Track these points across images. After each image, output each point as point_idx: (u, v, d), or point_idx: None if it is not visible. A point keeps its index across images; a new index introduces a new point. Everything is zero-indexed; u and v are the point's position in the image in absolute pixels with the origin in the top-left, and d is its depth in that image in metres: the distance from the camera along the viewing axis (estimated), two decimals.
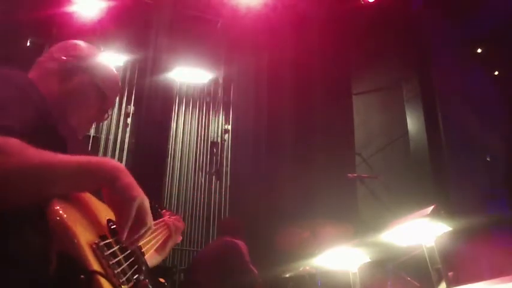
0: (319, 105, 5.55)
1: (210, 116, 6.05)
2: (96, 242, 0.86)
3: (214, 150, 5.42)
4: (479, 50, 5.26)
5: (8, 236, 0.83)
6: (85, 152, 1.27)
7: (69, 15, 4.72)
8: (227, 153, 5.85)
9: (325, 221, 3.30)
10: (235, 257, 3.60)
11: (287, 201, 4.64)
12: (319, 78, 5.61)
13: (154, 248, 1.41)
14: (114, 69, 1.48)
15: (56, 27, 4.76)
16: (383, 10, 5.14)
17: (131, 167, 4.53)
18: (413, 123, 5.02)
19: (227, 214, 5.56)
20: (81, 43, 1.44)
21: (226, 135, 5.58)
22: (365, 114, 5.75)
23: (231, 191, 5.67)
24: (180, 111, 5.92)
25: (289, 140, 5.36)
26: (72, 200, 0.90)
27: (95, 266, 0.80)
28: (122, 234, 0.94)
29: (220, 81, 6.09)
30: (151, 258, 1.39)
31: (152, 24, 5.39)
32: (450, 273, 2.02)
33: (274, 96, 5.57)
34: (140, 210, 0.97)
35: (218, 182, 5.61)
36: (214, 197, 5.63)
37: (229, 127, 5.91)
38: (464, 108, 4.82)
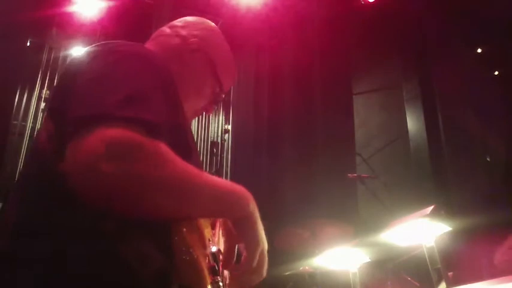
0: (319, 105, 5.54)
1: (210, 116, 6.05)
2: (213, 279, 0.82)
3: (214, 150, 5.41)
4: (479, 50, 5.26)
5: (133, 246, 0.75)
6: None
7: (69, 15, 4.72)
8: (227, 153, 5.84)
9: (325, 221, 3.30)
10: None
11: (287, 201, 4.64)
12: (319, 78, 5.60)
13: None
14: (233, 60, 1.29)
15: (56, 27, 4.76)
16: (383, 10, 5.13)
17: None
18: (413, 123, 5.01)
19: None
20: (209, 23, 1.25)
21: (226, 135, 5.56)
22: (365, 114, 5.75)
23: None
24: None
25: (289, 140, 5.35)
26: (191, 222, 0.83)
27: None
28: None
29: None
30: None
31: (152, 24, 5.38)
32: (450, 273, 2.02)
33: (274, 96, 5.56)
34: (261, 258, 0.88)
35: None
36: None
37: (229, 127, 5.90)
38: (464, 108, 4.82)
